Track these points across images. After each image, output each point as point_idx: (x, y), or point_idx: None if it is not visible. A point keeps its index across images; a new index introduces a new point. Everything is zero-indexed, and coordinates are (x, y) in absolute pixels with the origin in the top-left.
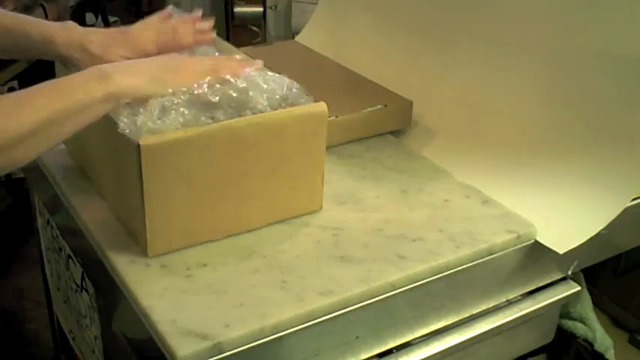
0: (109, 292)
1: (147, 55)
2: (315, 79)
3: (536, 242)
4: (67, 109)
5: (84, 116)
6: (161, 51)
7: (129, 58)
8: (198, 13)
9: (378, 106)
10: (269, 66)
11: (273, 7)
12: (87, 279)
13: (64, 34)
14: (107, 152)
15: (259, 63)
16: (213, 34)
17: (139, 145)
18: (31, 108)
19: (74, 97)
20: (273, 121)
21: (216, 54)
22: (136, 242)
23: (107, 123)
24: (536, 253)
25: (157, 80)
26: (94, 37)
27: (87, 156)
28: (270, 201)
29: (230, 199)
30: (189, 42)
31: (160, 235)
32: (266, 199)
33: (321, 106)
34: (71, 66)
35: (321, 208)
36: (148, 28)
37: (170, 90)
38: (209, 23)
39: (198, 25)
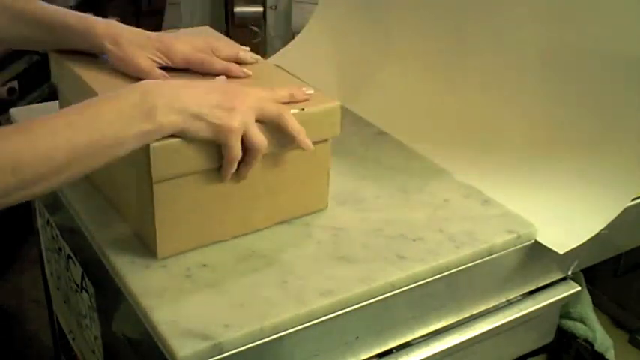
0: (109, 292)
1: (174, 67)
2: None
3: (536, 242)
4: (102, 144)
5: (118, 151)
6: (190, 67)
7: (158, 63)
8: (247, 49)
9: (292, 111)
10: None
11: (273, 7)
12: (87, 279)
13: (105, 26)
14: None
15: (310, 89)
16: (247, 71)
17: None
18: (64, 140)
19: (110, 133)
20: None
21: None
22: (144, 244)
23: None
24: (536, 253)
25: (202, 122)
26: (130, 34)
27: None
28: (277, 201)
29: (237, 199)
30: (220, 70)
31: (169, 237)
32: (273, 199)
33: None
34: (106, 60)
35: (327, 206)
36: (185, 42)
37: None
38: (252, 55)
39: (242, 54)
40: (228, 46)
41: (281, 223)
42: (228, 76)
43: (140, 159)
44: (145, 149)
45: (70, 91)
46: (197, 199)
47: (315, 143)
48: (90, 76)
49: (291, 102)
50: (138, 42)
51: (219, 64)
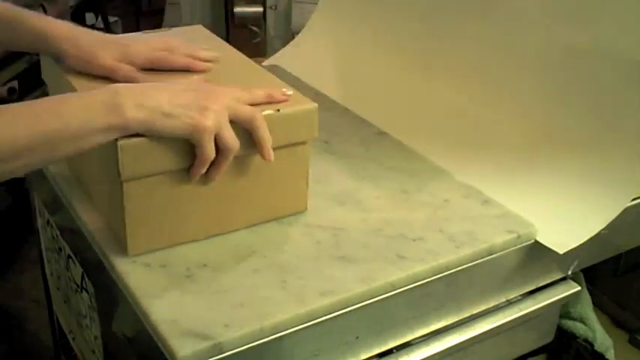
0: (109, 292)
1: (136, 65)
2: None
3: (536, 242)
4: (65, 133)
5: (82, 142)
6: (152, 66)
7: (121, 61)
8: (206, 48)
9: (267, 112)
10: None
11: (273, 7)
12: (87, 279)
13: (61, 28)
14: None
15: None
16: (209, 65)
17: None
18: (27, 125)
19: (74, 123)
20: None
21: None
22: (118, 241)
23: None
24: (536, 253)
25: (175, 119)
26: (88, 36)
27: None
28: (252, 203)
29: (210, 200)
30: (182, 64)
31: (140, 235)
32: (247, 201)
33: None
34: (62, 62)
35: (306, 209)
36: (142, 42)
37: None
38: (212, 54)
39: (203, 53)
40: (186, 45)
41: (281, 223)
42: (191, 71)
43: (110, 157)
44: (114, 147)
45: (57, 89)
46: (168, 198)
47: (292, 145)
48: (75, 75)
49: (268, 102)
50: (98, 43)
51: (182, 59)
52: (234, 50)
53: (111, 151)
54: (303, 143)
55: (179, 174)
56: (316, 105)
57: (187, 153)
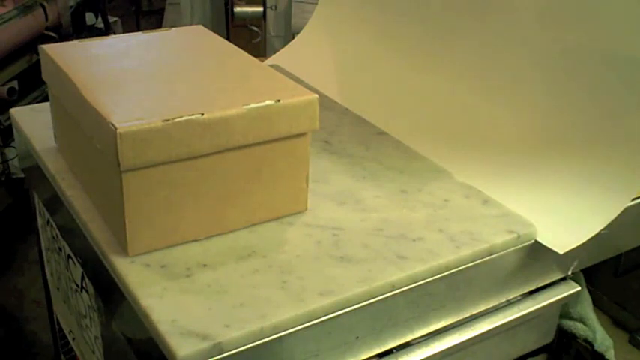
0: (109, 292)
1: None
2: (202, 66)
3: (536, 242)
4: None
5: None
6: None
7: None
8: None
9: (267, 102)
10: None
11: (273, 7)
12: (87, 279)
13: None
14: (88, 147)
15: None
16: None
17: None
18: None
19: None
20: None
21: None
22: (118, 241)
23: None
24: (536, 253)
25: None
26: None
27: (72, 151)
28: (254, 202)
29: (211, 195)
30: None
31: (140, 232)
32: (249, 200)
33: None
34: None
35: (306, 209)
36: None
37: None
38: None
39: None
40: None
41: (280, 223)
42: None
43: (109, 148)
44: (113, 136)
45: (57, 89)
46: (167, 193)
47: (292, 137)
48: (75, 73)
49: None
50: None
51: None
52: (236, 48)
53: (110, 141)
54: (303, 135)
55: (178, 167)
56: (317, 96)
57: (187, 142)
